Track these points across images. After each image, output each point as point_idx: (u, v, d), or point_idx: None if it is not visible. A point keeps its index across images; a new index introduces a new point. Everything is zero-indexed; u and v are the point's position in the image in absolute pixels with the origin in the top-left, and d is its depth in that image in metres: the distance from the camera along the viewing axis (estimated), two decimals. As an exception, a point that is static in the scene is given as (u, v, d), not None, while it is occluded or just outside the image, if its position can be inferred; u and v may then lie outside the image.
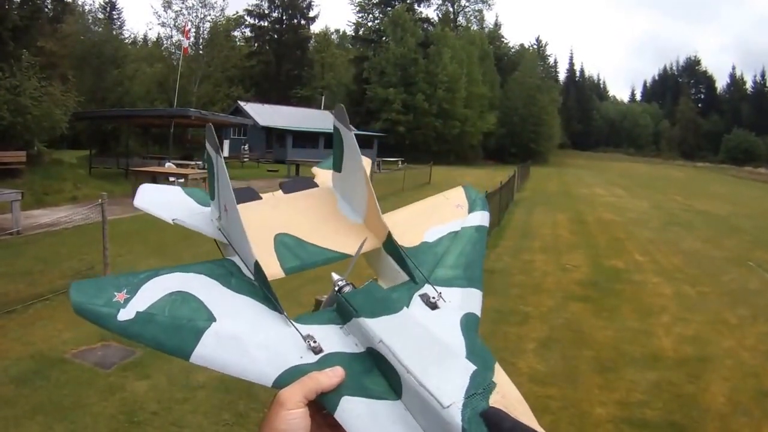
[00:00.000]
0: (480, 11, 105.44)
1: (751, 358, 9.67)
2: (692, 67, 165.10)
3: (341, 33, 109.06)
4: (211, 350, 1.54)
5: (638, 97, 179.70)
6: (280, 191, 2.53)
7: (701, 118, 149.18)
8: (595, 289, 13.46)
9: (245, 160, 48.61)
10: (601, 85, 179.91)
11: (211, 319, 1.61)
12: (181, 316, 1.62)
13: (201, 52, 62.40)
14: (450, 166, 62.49)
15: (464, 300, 1.88)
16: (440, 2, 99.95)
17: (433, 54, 78.21)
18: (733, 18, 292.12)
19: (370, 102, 76.28)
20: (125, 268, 12.40)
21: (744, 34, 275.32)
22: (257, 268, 1.78)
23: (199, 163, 33.50)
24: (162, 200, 2.51)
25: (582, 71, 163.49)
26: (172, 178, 24.64)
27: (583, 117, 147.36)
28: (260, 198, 2.43)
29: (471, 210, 2.54)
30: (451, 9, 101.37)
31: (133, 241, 15.65)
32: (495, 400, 1.23)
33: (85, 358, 7.91)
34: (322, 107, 75.92)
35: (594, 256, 17.35)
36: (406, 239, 2.17)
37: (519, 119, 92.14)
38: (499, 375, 1.35)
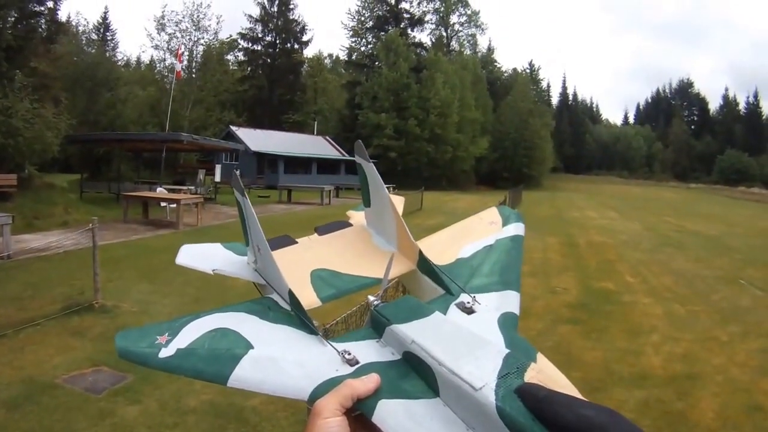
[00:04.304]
0: (473, 36, 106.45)
1: (742, 374, 9.69)
2: (685, 89, 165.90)
3: (334, 58, 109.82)
4: (249, 372, 1.61)
5: (631, 119, 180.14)
6: (316, 234, 2.71)
7: (694, 140, 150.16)
8: (584, 311, 13.47)
9: (237, 186, 48.56)
10: (594, 109, 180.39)
11: (249, 347, 1.71)
12: (220, 348, 1.72)
13: (194, 75, 62.29)
14: (442, 192, 62.55)
15: (501, 302, 2.01)
16: (434, 27, 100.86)
17: (425, 79, 78.34)
18: (726, 41, 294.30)
19: (362, 127, 76.05)
20: (116, 294, 12.47)
21: (737, 57, 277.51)
22: (291, 296, 1.92)
23: (191, 188, 33.49)
24: (202, 255, 2.63)
25: (575, 95, 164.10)
26: (163, 204, 24.64)
27: (576, 140, 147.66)
28: (296, 243, 2.60)
29: (505, 224, 2.77)
30: (444, 33, 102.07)
31: (124, 267, 15.60)
32: (530, 377, 1.25)
33: (75, 383, 7.85)
34: (315, 132, 76.21)
35: (584, 279, 17.36)
36: (441, 258, 2.31)
37: (511, 143, 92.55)
38: (540, 359, 1.45)
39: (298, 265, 2.32)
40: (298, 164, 62.08)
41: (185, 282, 13.45)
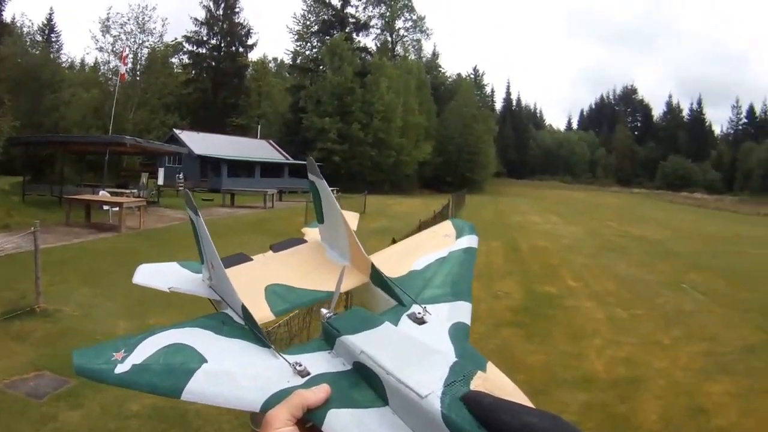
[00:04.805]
0: (418, 41, 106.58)
1: (684, 377, 9.82)
2: (629, 95, 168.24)
3: (279, 61, 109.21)
4: (202, 385, 1.66)
5: (575, 125, 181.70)
6: (271, 252, 2.75)
7: (637, 146, 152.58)
8: (527, 315, 13.57)
9: (180, 188, 48.09)
10: (538, 114, 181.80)
11: (203, 360, 1.74)
12: (175, 362, 1.75)
13: (138, 78, 61.63)
14: (385, 196, 62.46)
15: (452, 312, 2.06)
16: (379, 32, 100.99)
17: (370, 83, 78.43)
18: (672, 48, 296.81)
19: (306, 131, 76.16)
20: (58, 297, 12.28)
21: (682, 64, 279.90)
22: (244, 311, 1.95)
23: (134, 191, 33.16)
24: (159, 274, 2.70)
25: (519, 100, 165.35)
26: (106, 207, 24.38)
27: (520, 146, 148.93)
28: (251, 260, 2.63)
29: (459, 236, 2.81)
30: (389, 38, 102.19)
31: (67, 270, 15.38)
32: (476, 384, 1.27)
33: (17, 388, 7.76)
34: (258, 136, 75.96)
35: (526, 283, 17.46)
36: (394, 271, 2.37)
37: (455, 148, 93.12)
38: (490, 368, 1.43)
39: (253, 281, 2.35)
40: (241, 168, 61.75)
41: (127, 285, 13.16)
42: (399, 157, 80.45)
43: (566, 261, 22.43)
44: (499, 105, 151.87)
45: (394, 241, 11.18)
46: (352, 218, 3.07)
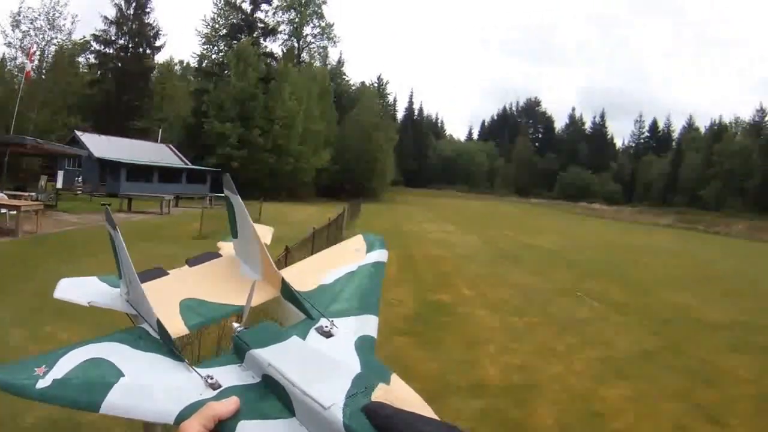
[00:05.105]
0: (325, 48, 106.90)
1: (579, 382, 10.05)
2: (532, 107, 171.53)
3: (185, 64, 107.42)
4: (119, 399, 1.75)
5: (476, 136, 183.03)
6: (186, 266, 2.90)
7: (538, 157, 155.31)
8: (420, 323, 13.62)
9: (78, 192, 47.08)
10: (439, 124, 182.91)
11: (120, 375, 1.84)
12: (93, 377, 1.84)
13: (43, 76, 60.23)
14: (282, 203, 62.17)
15: (359, 325, 2.19)
16: (287, 37, 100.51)
17: (273, 89, 77.94)
18: (578, 62, 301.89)
19: (206, 136, 75.12)
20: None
21: (587, 78, 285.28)
22: (159, 326, 2.07)
23: (33, 194, 32.46)
24: (78, 288, 2.74)
25: (421, 110, 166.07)
26: (3, 210, 23.83)
27: (419, 155, 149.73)
28: (168, 274, 2.77)
29: (369, 251, 3.01)
30: (296, 45, 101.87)
31: (-39, 274, 14.88)
32: (378, 396, 1.38)
33: None
34: (159, 140, 74.66)
35: (420, 291, 17.49)
36: (305, 285, 2.51)
37: (353, 156, 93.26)
38: (395, 379, 1.53)
39: (169, 296, 2.45)
40: (140, 172, 60.37)
41: (20, 292, 12.95)
42: (297, 164, 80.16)
43: (461, 269, 22.56)
44: (401, 114, 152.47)
45: (287, 249, 11.11)
46: (266, 232, 3.28)
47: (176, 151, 73.40)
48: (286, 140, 77.67)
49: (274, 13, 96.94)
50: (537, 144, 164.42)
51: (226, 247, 3.12)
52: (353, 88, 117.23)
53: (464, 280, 20.01)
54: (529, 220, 65.60)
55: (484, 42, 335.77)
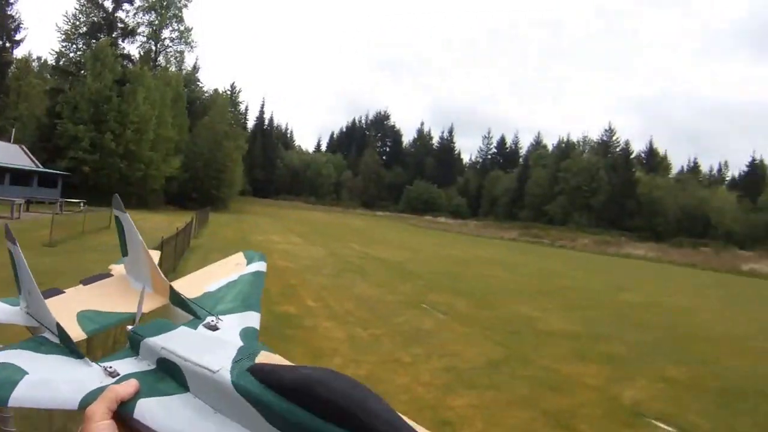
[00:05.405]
0: (182, 52, 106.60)
1: (427, 392, 10.15)
2: (381, 121, 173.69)
3: (42, 61, 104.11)
4: (25, 392, 1.81)
5: (324, 147, 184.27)
6: (81, 285, 3.00)
7: (385, 170, 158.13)
8: (265, 335, 13.03)
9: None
10: (289, 135, 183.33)
11: (25, 373, 1.90)
12: (0, 377, 1.89)
13: None
14: (131, 210, 60.82)
15: (242, 320, 2.32)
16: (145, 40, 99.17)
17: (128, 93, 76.47)
18: (428, 78, 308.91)
19: (59, 138, 72.97)
20: None
21: (436, 94, 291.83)
22: (59, 328, 2.18)
23: None
24: None
25: (271, 119, 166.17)
26: None
27: (267, 165, 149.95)
28: (64, 292, 2.86)
29: (249, 264, 3.31)
30: (154, 47, 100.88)
31: None
32: (260, 359, 1.54)
33: None
34: (12, 140, 71.57)
35: (266, 303, 16.84)
36: (190, 293, 2.65)
37: (203, 165, 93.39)
38: (270, 353, 1.64)
39: (66, 309, 2.53)
40: (-10, 173, 57.60)
41: None
42: (147, 170, 79.33)
43: (306, 281, 22.68)
44: (251, 123, 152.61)
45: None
46: (154, 255, 3.28)
47: (29, 153, 70.48)
48: (137, 146, 76.78)
49: (135, 14, 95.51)
50: (385, 157, 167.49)
51: (117, 268, 3.24)
52: (206, 95, 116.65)
53: (310, 291, 20.15)
54: (375, 232, 67.30)
55: (336, 54, 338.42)
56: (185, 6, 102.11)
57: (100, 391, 1.61)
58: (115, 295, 2.84)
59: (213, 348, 1.68)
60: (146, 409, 1.55)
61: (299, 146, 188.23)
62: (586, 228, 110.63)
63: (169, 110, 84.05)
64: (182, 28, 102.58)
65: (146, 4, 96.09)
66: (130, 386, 1.58)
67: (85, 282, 3.02)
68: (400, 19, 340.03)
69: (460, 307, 19.23)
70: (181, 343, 1.78)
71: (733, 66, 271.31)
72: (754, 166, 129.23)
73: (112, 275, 3.13)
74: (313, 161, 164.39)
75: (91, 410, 1.46)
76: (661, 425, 10.40)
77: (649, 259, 71.91)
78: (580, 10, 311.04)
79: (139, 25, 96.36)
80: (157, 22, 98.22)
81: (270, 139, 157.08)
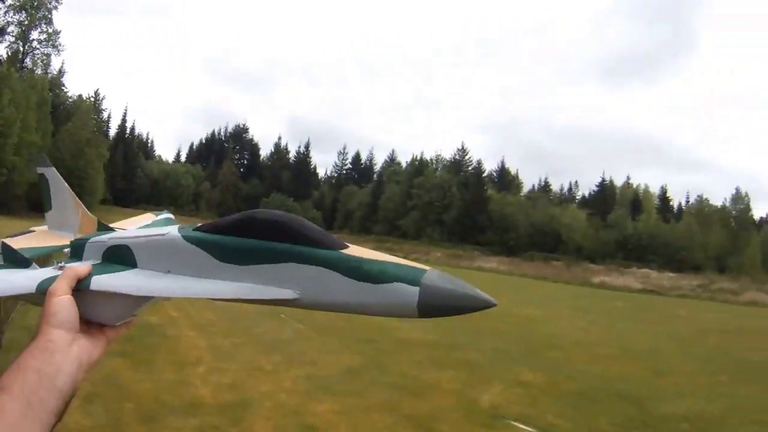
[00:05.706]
0: (48, 56, 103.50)
1: (290, 398, 10.44)
2: (240, 134, 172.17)
3: None
4: None
5: (183, 158, 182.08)
6: (7, 239, 3.04)
7: (242, 182, 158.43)
8: (130, 344, 13.40)
9: None
10: (149, 144, 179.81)
11: None
12: None
13: None
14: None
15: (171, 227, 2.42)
16: (13, 40, 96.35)
17: (-6, 95, 73.17)
18: (286, 91, 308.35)
19: None
20: None
21: (294, 109, 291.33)
22: (3, 245, 2.36)
23: None
24: None
25: (133, 128, 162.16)
26: None
27: (129, 174, 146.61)
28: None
29: (158, 215, 4.00)
30: (21, 48, 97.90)
31: None
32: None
33: None
34: None
35: (131, 313, 17.05)
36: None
37: (65, 172, 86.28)
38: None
39: None
40: None
41: None
42: (11, 176, 76.78)
43: None
44: (113, 131, 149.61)
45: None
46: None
47: None
48: (1, 150, 74.18)
49: (5, 13, 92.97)
50: (242, 170, 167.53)
51: (38, 228, 3.51)
52: (70, 100, 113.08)
53: (171, 301, 19.58)
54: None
55: (196, 65, 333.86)
56: (55, 8, 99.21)
57: (56, 276, 1.82)
58: (44, 241, 3.14)
59: (157, 229, 2.04)
60: (102, 282, 1.81)
61: (159, 156, 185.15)
62: (439, 242, 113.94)
63: (33, 114, 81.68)
64: (50, 31, 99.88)
65: (18, 3, 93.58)
66: (87, 266, 1.86)
67: (11, 236, 3.22)
68: (255, 34, 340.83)
69: (317, 316, 19.15)
70: (126, 233, 2.13)
71: (585, 91, 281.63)
72: (604, 186, 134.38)
73: (34, 230, 3.44)
74: (172, 171, 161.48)
75: (54, 287, 1.69)
76: (521, 426, 10.97)
77: (501, 272, 74.56)
78: (435, 38, 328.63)
79: (8, 24, 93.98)
80: (26, 22, 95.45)
81: (131, 147, 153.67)
